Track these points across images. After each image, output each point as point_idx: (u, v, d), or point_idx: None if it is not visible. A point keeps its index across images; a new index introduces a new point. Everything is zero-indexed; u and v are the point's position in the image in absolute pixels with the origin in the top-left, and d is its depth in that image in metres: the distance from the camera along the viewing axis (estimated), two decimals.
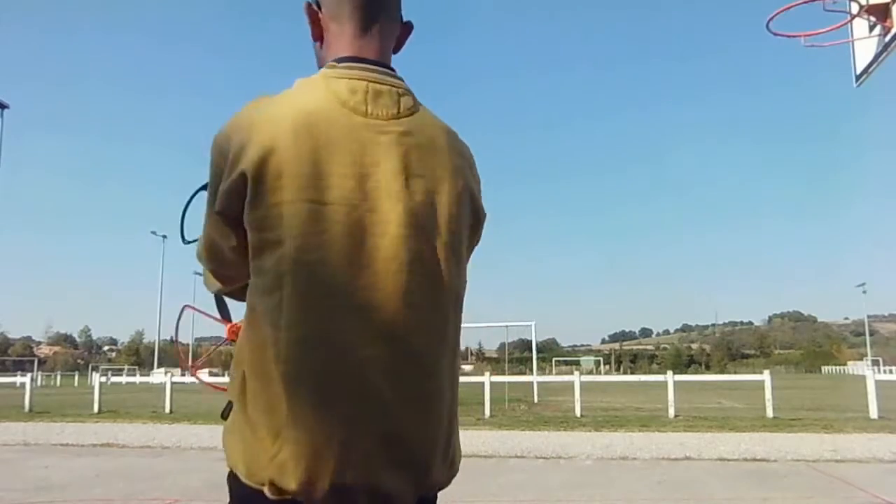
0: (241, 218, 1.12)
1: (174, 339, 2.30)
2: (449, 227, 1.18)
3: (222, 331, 1.62)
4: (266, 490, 1.05)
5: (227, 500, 1.13)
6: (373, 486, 1.06)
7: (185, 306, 1.90)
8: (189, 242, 1.48)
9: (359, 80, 1.18)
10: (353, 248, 1.09)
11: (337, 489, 1.04)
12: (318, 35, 1.30)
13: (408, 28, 1.33)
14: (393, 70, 1.25)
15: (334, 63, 1.22)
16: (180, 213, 1.47)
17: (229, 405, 1.16)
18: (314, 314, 1.06)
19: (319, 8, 1.29)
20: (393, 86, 1.21)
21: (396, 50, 1.32)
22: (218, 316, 1.70)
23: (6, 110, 22.64)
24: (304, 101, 1.15)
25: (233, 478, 1.11)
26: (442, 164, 1.20)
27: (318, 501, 1.04)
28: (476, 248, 1.33)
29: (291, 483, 1.03)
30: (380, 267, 1.10)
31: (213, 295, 1.58)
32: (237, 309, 1.60)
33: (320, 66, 1.27)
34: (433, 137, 1.22)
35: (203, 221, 1.22)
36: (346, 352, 1.07)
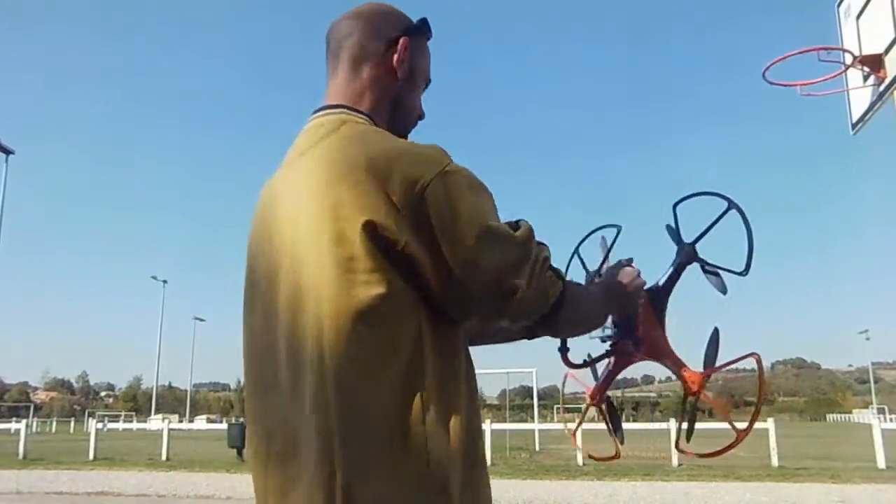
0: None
1: (562, 404, 2.19)
2: (321, 254, 1.05)
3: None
4: None
5: None
6: None
7: (568, 374, 1.75)
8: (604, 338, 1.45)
9: (309, 122, 1.23)
10: (253, 284, 1.20)
11: None
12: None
13: (391, 43, 1.26)
14: (334, 106, 1.23)
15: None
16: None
17: None
18: (248, 365, 1.19)
19: None
20: (325, 117, 1.21)
21: (398, 65, 1.26)
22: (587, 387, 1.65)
23: (11, 156, 22.84)
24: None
25: None
26: (311, 191, 1.10)
27: None
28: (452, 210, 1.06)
29: None
30: (261, 299, 1.18)
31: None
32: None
33: None
34: (309, 163, 1.13)
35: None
36: (257, 407, 1.18)
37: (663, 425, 17.04)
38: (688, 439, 1.65)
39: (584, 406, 1.70)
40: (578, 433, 2.08)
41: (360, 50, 1.25)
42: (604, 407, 1.63)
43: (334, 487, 0.97)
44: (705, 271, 1.49)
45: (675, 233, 1.53)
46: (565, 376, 1.74)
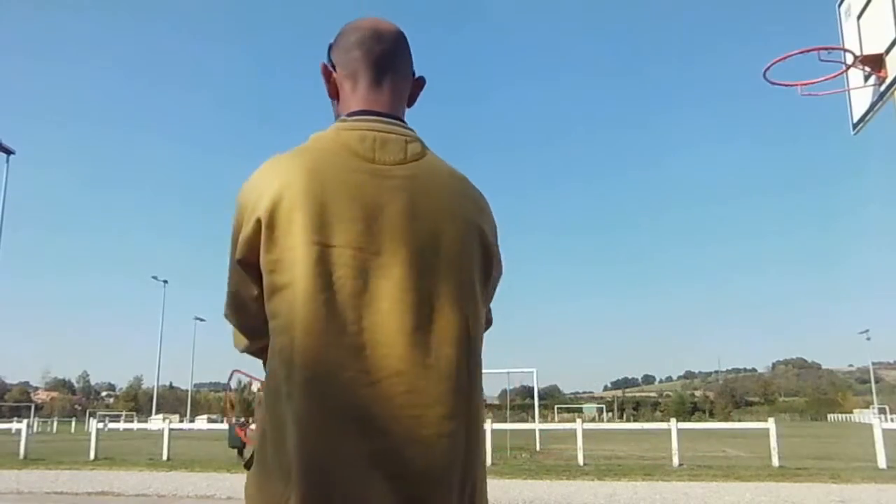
0: (257, 265, 1.18)
1: (225, 407, 2.34)
2: (454, 267, 1.21)
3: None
4: None
5: None
6: None
7: (234, 371, 1.90)
8: None
9: (367, 130, 1.26)
10: (358, 290, 1.13)
11: None
12: (334, 93, 1.39)
13: (420, 83, 1.43)
14: (402, 121, 1.33)
15: (346, 117, 1.31)
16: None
17: (253, 454, 1.18)
18: (322, 354, 1.09)
19: (335, 68, 1.38)
20: (400, 134, 1.28)
21: (410, 104, 1.41)
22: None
23: (12, 156, 22.85)
24: (314, 150, 1.24)
25: None
26: (447, 208, 1.25)
27: None
28: (497, 287, 1.38)
29: None
30: (384, 307, 1.13)
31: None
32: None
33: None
34: (439, 182, 1.27)
35: (227, 278, 1.27)
36: (352, 391, 1.08)
37: (663, 425, 17.02)
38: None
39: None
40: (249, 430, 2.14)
41: (408, 73, 1.40)
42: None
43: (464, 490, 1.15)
44: None
45: None
46: (231, 373, 1.92)
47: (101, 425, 23.55)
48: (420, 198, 1.22)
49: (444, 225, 1.22)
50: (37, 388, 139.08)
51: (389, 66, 1.35)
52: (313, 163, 1.19)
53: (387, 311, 1.13)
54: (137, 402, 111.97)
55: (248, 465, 1.20)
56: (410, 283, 1.15)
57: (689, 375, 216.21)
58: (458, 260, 1.22)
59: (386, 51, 1.35)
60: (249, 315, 1.26)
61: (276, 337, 1.13)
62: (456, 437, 1.14)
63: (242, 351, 1.37)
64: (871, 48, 6.43)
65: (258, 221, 1.15)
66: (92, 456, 16.92)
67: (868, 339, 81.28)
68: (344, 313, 1.11)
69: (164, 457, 16.84)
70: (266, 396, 1.15)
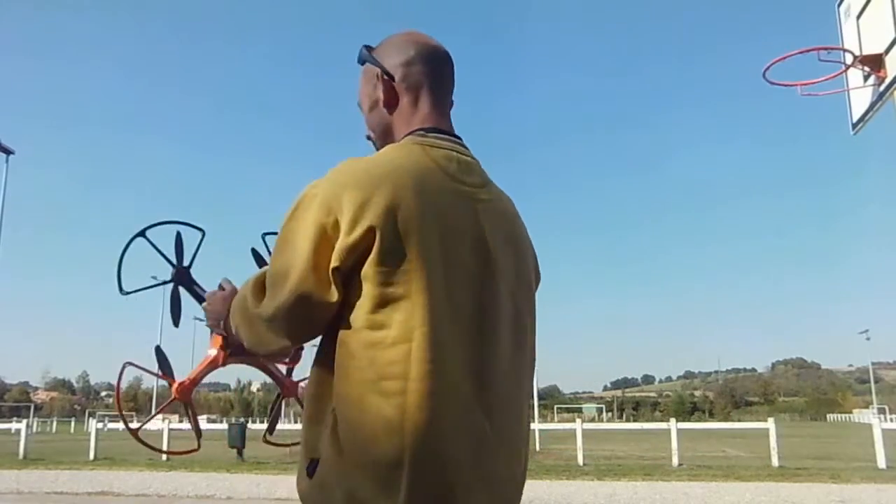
0: (351, 273, 1.13)
1: (118, 406, 2.46)
2: (533, 289, 1.37)
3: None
4: None
5: None
6: None
7: (127, 363, 1.96)
8: (128, 293, 1.66)
9: (450, 150, 1.30)
10: (473, 309, 1.18)
11: None
12: (393, 102, 1.37)
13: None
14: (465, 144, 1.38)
15: (424, 133, 1.31)
16: (117, 263, 1.62)
17: (314, 461, 1.16)
18: (444, 368, 1.12)
19: (392, 78, 1.36)
20: (472, 157, 1.34)
21: None
22: (160, 372, 1.80)
23: (11, 156, 22.83)
24: (413, 164, 1.22)
25: None
26: (523, 231, 1.38)
27: None
28: None
29: None
30: (489, 326, 1.20)
31: (155, 351, 1.74)
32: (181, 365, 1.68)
33: (384, 131, 1.38)
34: (508, 205, 1.38)
35: (287, 280, 1.16)
36: (468, 404, 1.14)
37: (663, 425, 17.02)
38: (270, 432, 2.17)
39: (172, 400, 1.94)
40: (203, 418, 2.27)
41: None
42: (187, 406, 1.87)
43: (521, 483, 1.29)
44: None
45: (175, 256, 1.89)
46: (123, 366, 1.97)
47: (100, 425, 23.52)
48: (504, 222, 1.32)
49: (526, 250, 1.36)
50: (36, 388, 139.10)
51: (451, 87, 1.41)
52: (417, 177, 1.18)
53: (490, 331, 1.20)
54: (137, 402, 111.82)
55: (311, 473, 1.16)
56: (511, 303, 1.25)
57: (688, 375, 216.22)
58: (531, 282, 1.36)
59: (451, 72, 1.41)
60: (314, 321, 1.19)
61: (385, 349, 1.11)
62: (523, 480, 1.30)
63: (274, 352, 1.28)
64: (871, 48, 6.43)
65: (370, 230, 1.11)
66: (92, 456, 16.93)
67: (868, 339, 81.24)
68: (461, 331, 1.15)
69: (164, 457, 16.83)
70: (357, 407, 1.12)
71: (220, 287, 1.59)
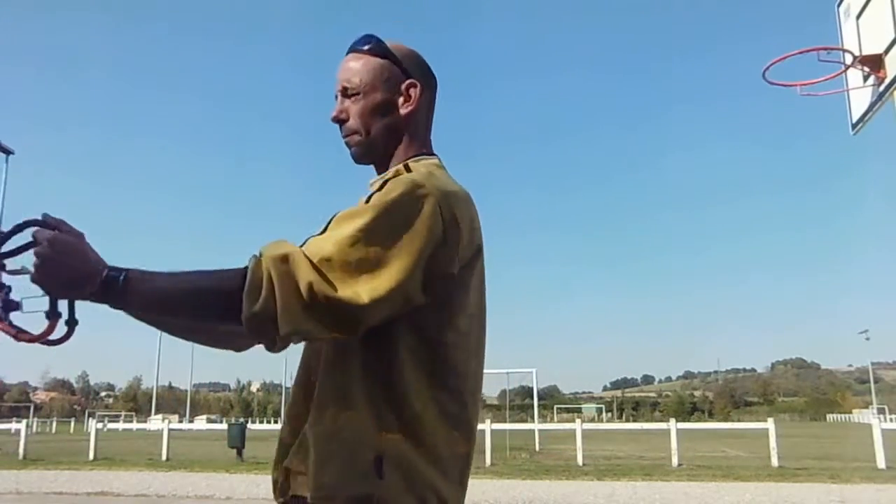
0: (437, 279, 1.19)
1: None
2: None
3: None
4: None
5: None
6: None
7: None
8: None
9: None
10: (479, 328, 1.33)
11: None
12: (416, 117, 1.37)
13: None
14: None
15: (435, 156, 1.39)
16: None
17: (379, 459, 1.16)
18: (470, 369, 1.29)
19: (419, 92, 1.37)
20: None
21: None
22: (47, 309, 1.24)
23: (11, 156, 22.82)
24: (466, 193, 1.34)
25: None
26: None
27: None
28: None
29: None
30: (476, 353, 1.33)
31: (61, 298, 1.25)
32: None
33: (385, 135, 1.35)
34: None
35: (397, 273, 1.12)
36: (475, 402, 1.32)
37: (663, 425, 17.02)
38: None
39: None
40: (202, 418, 1.85)
41: None
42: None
43: None
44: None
45: None
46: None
47: (100, 425, 23.54)
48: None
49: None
50: (36, 389, 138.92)
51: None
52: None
53: (477, 345, 1.33)
54: (137, 402, 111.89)
55: (380, 473, 1.15)
56: (483, 338, 1.36)
57: (688, 375, 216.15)
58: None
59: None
60: (389, 315, 1.15)
61: (455, 351, 1.25)
62: None
63: (288, 335, 1.10)
64: (871, 48, 6.43)
65: (479, 249, 1.28)
66: (91, 456, 16.91)
67: (867, 339, 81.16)
68: (472, 344, 1.31)
69: (164, 457, 16.83)
70: (425, 397, 1.20)
71: (48, 224, 1.12)
